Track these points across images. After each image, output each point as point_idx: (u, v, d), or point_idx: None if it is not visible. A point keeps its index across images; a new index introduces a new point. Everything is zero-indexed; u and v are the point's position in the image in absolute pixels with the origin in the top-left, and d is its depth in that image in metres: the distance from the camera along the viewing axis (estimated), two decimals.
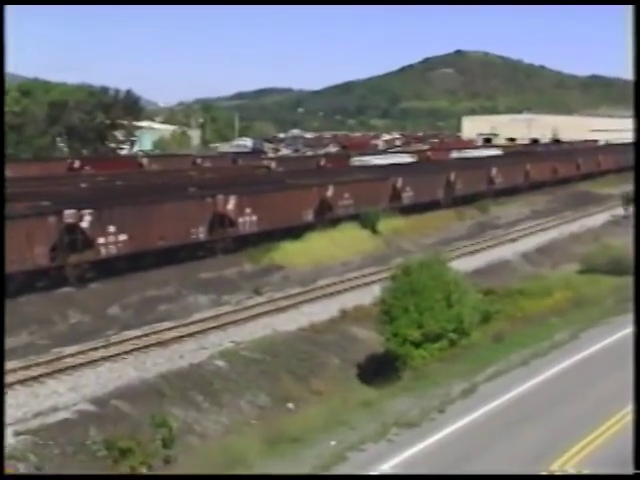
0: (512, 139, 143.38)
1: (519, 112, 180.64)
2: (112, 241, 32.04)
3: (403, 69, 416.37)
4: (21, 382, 21.52)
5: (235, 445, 17.60)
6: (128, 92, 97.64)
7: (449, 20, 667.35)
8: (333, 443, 17.38)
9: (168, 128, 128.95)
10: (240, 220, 38.53)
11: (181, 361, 24.12)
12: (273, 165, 69.30)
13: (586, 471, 14.90)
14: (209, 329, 27.56)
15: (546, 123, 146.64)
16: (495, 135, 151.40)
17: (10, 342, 23.91)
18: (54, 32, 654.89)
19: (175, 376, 22.84)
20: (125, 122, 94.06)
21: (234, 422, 21.41)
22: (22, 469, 17.20)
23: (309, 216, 43.07)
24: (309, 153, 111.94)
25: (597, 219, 57.01)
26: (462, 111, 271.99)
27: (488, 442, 17.02)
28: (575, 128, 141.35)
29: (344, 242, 41.85)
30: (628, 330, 26.26)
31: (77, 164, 66.89)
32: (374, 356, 25.83)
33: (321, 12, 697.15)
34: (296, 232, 41.09)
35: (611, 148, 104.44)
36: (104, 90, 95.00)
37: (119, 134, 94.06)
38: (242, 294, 33.00)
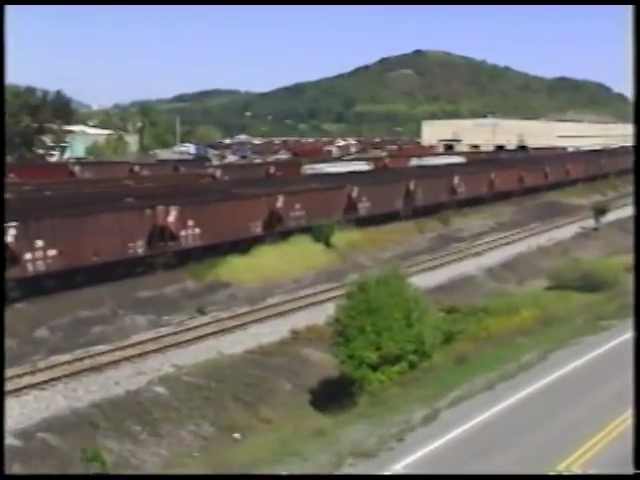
0: (475, 145, 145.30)
1: (483, 116, 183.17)
2: (40, 257, 31.57)
3: (358, 70, 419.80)
4: None
5: None
6: (58, 93, 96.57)
7: (407, 18, 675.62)
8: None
9: (102, 133, 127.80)
10: (182, 233, 38.31)
11: (117, 388, 23.85)
12: (218, 173, 69.11)
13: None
14: (148, 352, 27.31)
15: (511, 128, 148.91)
16: (457, 141, 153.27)
17: None
18: None
19: (110, 405, 22.56)
20: (54, 126, 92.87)
21: (175, 454, 21.22)
22: None
23: (257, 229, 43.01)
24: (257, 160, 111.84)
25: (566, 231, 57.99)
26: (422, 115, 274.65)
27: (450, 474, 17.13)
28: (542, 134, 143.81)
29: (295, 257, 41.85)
30: (600, 350, 26.80)
31: None
32: (328, 380, 25.84)
33: (269, 8, 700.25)
34: (243, 246, 40.98)
35: (580, 155, 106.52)
36: (30, 91, 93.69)
37: (48, 139, 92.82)
38: (184, 314, 32.77)
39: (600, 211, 60.38)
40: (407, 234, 52.13)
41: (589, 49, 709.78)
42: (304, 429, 20.81)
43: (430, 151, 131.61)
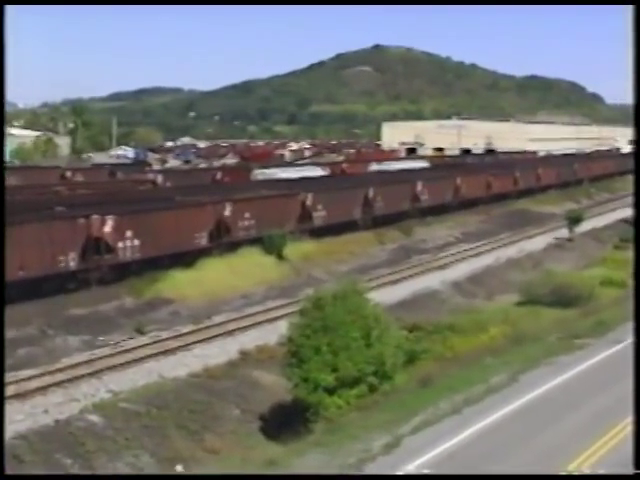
0: (440, 149, 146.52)
1: (447, 117, 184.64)
2: None
3: (312, 67, 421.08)
4: None
5: None
6: None
7: (365, 10, 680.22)
8: None
9: (30, 134, 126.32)
10: (119, 245, 38.01)
11: (45, 417, 23.54)
12: (159, 179, 68.76)
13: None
14: (81, 377, 27.01)
15: (479, 130, 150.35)
16: (420, 144, 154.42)
17: None
18: None
19: (37, 436, 22.25)
20: None
21: None
22: None
23: (203, 240, 42.84)
24: (203, 165, 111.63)
25: (538, 242, 58.68)
26: (382, 116, 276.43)
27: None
28: (511, 136, 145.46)
29: (245, 270, 41.75)
30: (574, 371, 27.11)
31: None
32: (280, 406, 25.79)
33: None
34: (187, 259, 40.77)
35: (553, 160, 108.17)
36: None
37: None
38: (122, 334, 32.48)
39: (574, 220, 61.22)
40: (366, 245, 52.32)
41: (561, 46, 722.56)
42: (253, 460, 20.72)
43: (391, 155, 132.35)
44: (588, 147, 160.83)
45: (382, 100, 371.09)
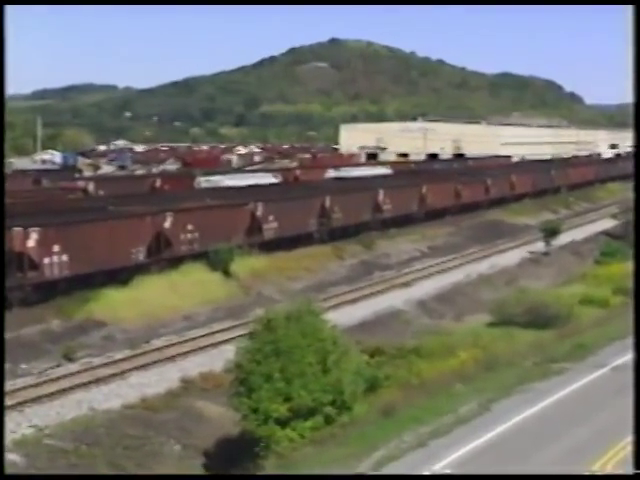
0: (404, 154, 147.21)
1: (412, 119, 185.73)
2: None
3: (263, 62, 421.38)
4: None
5: None
6: None
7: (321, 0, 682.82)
8: None
9: None
10: (45, 261, 37.63)
11: None
12: (91, 187, 68.27)
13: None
14: None
15: (446, 133, 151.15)
16: (382, 149, 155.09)
17: None
18: None
19: None
20: None
21: None
22: None
23: (140, 255, 42.57)
24: (140, 171, 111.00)
25: (512, 257, 59.15)
26: (340, 117, 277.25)
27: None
28: (482, 140, 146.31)
29: (187, 289, 41.58)
30: (552, 399, 27.31)
31: None
32: (227, 440, 25.69)
33: None
34: (123, 276, 40.51)
35: (528, 166, 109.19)
36: None
37: None
38: (48, 361, 32.15)
39: (551, 232, 61.87)
40: (323, 260, 52.37)
41: (536, 41, 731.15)
42: None
43: (350, 160, 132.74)
44: (566, 152, 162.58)
45: (340, 100, 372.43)
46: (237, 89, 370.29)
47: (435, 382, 29.21)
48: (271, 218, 51.81)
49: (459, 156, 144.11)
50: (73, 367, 31.67)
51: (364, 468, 21.55)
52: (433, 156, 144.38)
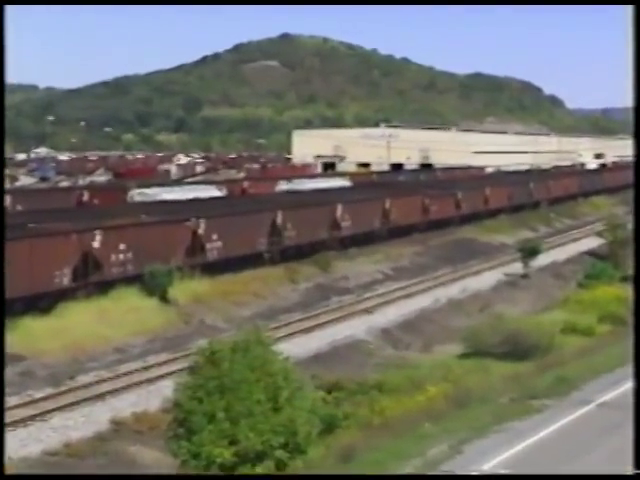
0: (365, 164, 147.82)
1: (374, 125, 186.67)
2: None
3: (205, 60, 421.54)
4: None
5: None
6: None
7: None
8: None
9: None
10: None
11: None
12: (7, 201, 67.72)
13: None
14: None
15: (412, 141, 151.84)
16: (341, 158, 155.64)
17: None
18: None
19: None
20: None
21: None
22: None
23: (65, 278, 42.22)
24: (65, 183, 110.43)
25: (486, 279, 59.49)
26: (292, 123, 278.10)
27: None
28: (453, 148, 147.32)
29: (119, 317, 41.31)
30: (531, 440, 27.44)
31: None
32: None
33: None
34: (45, 303, 40.13)
35: (503, 178, 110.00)
36: None
37: None
38: None
39: (529, 252, 62.27)
40: (273, 284, 52.31)
41: (512, 38, 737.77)
42: None
43: (304, 171, 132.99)
44: (546, 162, 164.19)
45: (292, 103, 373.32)
46: (176, 90, 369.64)
47: (400, 421, 29.25)
48: (215, 236, 51.68)
49: (427, 166, 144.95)
50: None
51: None
52: (397, 166, 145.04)
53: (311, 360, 37.81)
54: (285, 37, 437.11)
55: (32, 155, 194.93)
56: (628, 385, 30.70)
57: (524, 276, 61.00)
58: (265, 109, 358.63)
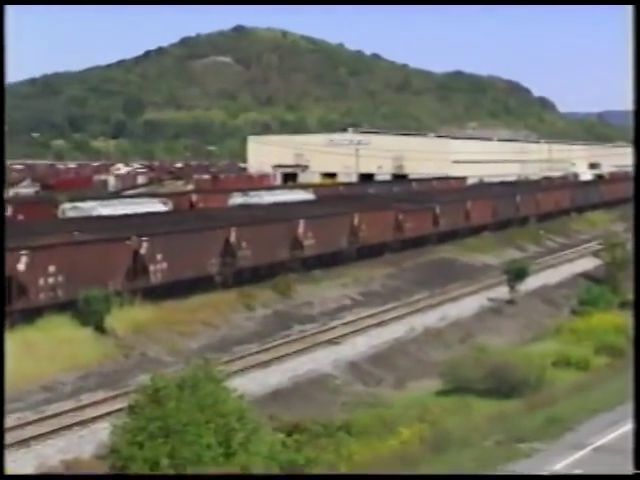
0: (331, 175, 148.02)
1: (341, 130, 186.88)
2: None
3: (148, 55, 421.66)
4: None
5: None
6: None
7: None
8: None
9: None
10: None
11: None
12: None
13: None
14: None
15: (384, 149, 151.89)
16: (303, 168, 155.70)
17: None
18: None
19: None
20: None
21: None
22: None
23: None
24: None
25: (467, 305, 59.56)
26: (248, 127, 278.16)
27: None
28: (430, 157, 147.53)
29: (48, 349, 41.00)
30: None
31: None
32: None
33: None
34: None
35: (487, 190, 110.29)
36: None
37: None
38: None
39: (516, 274, 62.45)
40: (226, 311, 52.17)
41: (496, 34, 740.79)
42: None
43: (261, 183, 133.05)
44: (535, 172, 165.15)
45: (248, 105, 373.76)
46: (114, 90, 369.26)
47: (370, 467, 29.21)
48: (159, 257, 51.49)
49: (400, 177, 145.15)
50: None
51: None
52: (367, 177, 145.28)
53: (269, 398, 37.71)
54: (239, 30, 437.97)
55: None
56: (628, 426, 30.83)
57: (510, 302, 61.15)
58: (216, 112, 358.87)
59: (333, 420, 34.22)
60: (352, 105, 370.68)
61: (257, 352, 45.95)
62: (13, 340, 41.02)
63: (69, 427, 34.04)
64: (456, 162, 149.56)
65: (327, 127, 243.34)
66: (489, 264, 74.82)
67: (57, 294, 45.06)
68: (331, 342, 48.89)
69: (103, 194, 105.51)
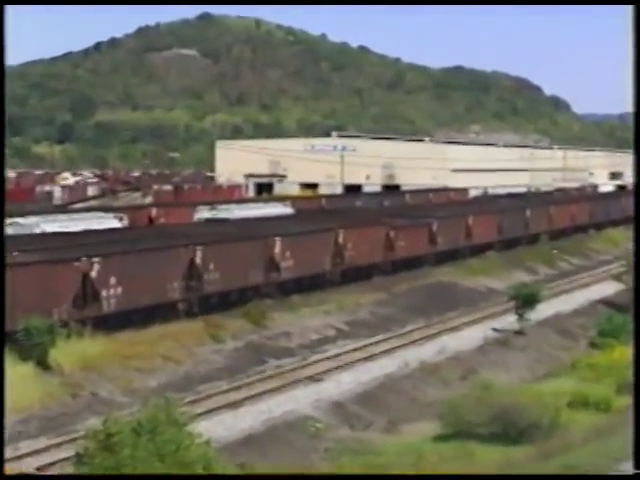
0: (311, 185, 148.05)
1: (324, 135, 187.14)
2: None
3: (99, 48, 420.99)
4: None
5: None
6: None
7: None
8: None
9: None
10: None
11: None
12: None
13: None
14: None
15: (374, 155, 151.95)
16: (280, 177, 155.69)
17: None
18: None
19: None
20: None
21: None
22: None
23: None
24: None
25: (469, 336, 59.63)
26: (216, 131, 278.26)
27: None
28: (426, 165, 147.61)
29: None
30: None
31: None
32: None
33: None
34: None
35: (491, 204, 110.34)
36: None
37: None
38: None
39: (526, 301, 62.46)
40: (191, 343, 52.10)
41: (503, 24, 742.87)
42: None
43: (231, 195, 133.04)
44: (547, 183, 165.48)
45: (216, 104, 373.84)
46: (61, 87, 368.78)
47: None
48: (113, 281, 51.38)
49: (392, 188, 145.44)
50: None
51: None
52: (354, 188, 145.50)
53: (240, 444, 37.67)
54: (206, 18, 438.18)
55: None
56: None
57: (519, 332, 61.20)
58: (180, 112, 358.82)
59: (314, 469, 34.21)
60: (336, 105, 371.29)
61: (226, 391, 45.91)
62: None
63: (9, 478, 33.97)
64: (456, 171, 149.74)
65: (307, 131, 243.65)
66: (494, 289, 74.92)
67: None
68: (312, 379, 48.89)
69: (47, 208, 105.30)
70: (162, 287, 54.70)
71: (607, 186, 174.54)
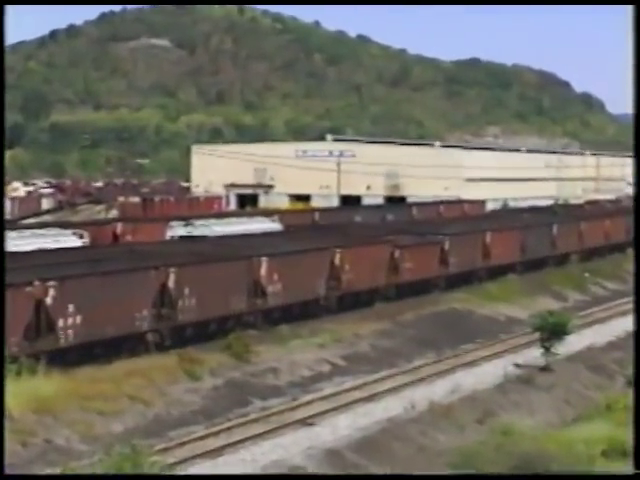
0: (303, 197, 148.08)
1: (318, 138, 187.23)
2: None
3: (55, 37, 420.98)
4: None
5: None
6: None
7: None
8: None
9: None
10: None
11: None
12: None
13: None
14: None
15: (375, 162, 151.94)
16: (267, 188, 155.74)
17: None
18: None
19: None
20: None
21: None
22: None
23: None
24: None
25: (487, 373, 59.63)
26: (192, 133, 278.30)
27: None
28: (436, 174, 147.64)
29: None
30: None
31: None
32: None
33: None
34: None
35: (512, 219, 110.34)
36: None
37: None
38: None
39: (553, 332, 62.44)
40: (162, 381, 52.06)
41: (526, 11, 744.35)
42: None
43: (210, 208, 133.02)
44: (577, 194, 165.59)
45: (192, 103, 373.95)
46: (9, 83, 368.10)
47: None
48: (71, 309, 51.36)
49: (396, 200, 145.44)
50: None
51: None
52: (353, 200, 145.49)
53: None
54: (180, 4, 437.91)
55: None
56: None
57: (545, 369, 61.19)
58: (149, 112, 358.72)
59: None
60: (331, 104, 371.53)
61: (203, 437, 45.90)
62: None
63: None
64: (471, 180, 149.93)
65: (298, 133, 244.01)
66: (516, 318, 74.95)
67: None
68: (304, 423, 48.92)
69: None
70: (129, 316, 54.68)
71: None
